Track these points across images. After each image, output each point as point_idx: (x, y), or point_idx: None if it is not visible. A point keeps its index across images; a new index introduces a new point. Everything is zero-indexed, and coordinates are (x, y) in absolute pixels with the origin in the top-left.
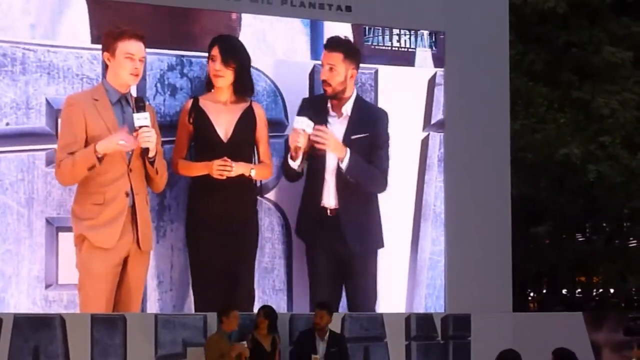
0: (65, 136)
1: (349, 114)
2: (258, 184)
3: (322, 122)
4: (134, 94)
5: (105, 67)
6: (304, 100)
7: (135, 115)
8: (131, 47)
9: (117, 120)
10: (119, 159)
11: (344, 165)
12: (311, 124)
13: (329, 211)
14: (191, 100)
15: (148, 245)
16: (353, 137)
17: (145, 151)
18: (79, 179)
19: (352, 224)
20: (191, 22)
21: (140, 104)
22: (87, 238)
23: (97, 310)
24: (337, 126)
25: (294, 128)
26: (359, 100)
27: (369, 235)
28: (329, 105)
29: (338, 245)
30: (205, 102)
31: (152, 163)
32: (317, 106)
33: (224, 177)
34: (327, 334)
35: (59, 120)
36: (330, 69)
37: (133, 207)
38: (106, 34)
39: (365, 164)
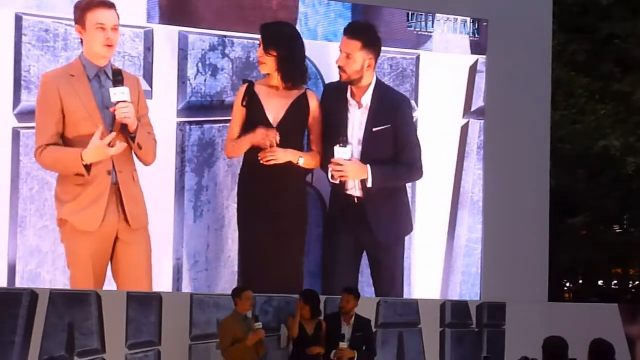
0: (41, 117)
1: (369, 104)
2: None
3: (343, 111)
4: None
5: (82, 40)
6: (326, 86)
7: (112, 90)
8: (101, 16)
9: (94, 96)
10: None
11: (369, 184)
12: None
13: (355, 199)
14: (246, 85)
15: (140, 223)
16: (375, 129)
17: (123, 127)
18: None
19: (379, 213)
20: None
21: (118, 78)
22: (70, 222)
23: (85, 288)
24: (358, 117)
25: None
26: (378, 89)
27: (397, 224)
28: (349, 93)
29: (364, 234)
30: (259, 87)
31: (133, 139)
32: (338, 93)
33: (270, 163)
34: (353, 318)
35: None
36: (347, 56)
37: (117, 185)
38: (75, 5)
39: (390, 169)
